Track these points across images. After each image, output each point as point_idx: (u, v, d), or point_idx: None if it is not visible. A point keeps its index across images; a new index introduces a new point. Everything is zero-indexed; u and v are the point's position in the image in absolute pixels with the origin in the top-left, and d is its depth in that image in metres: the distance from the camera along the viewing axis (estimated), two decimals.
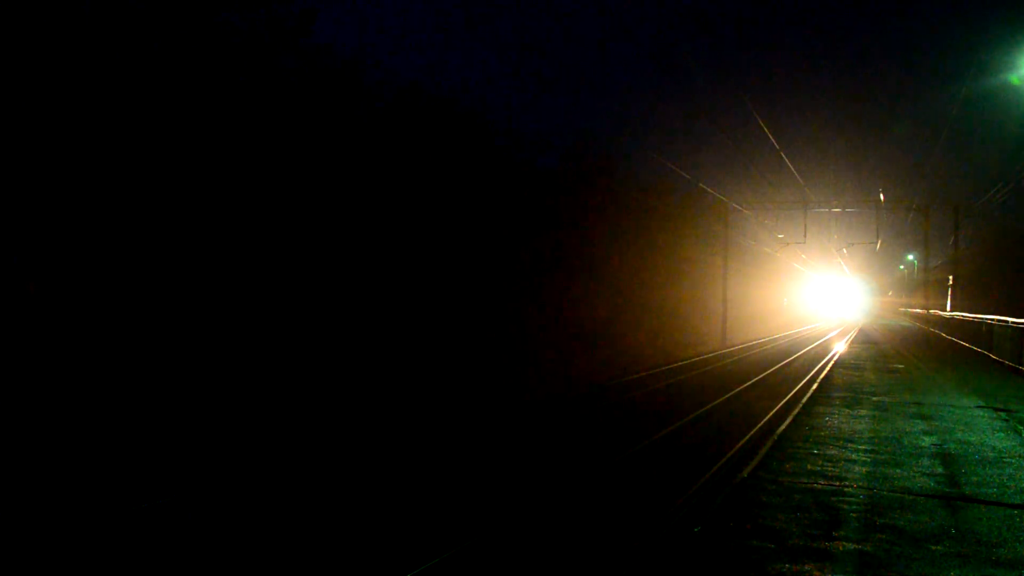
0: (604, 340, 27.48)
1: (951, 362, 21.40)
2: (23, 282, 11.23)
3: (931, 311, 39.82)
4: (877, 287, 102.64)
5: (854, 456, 8.17)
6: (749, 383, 18.95)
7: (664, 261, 35.22)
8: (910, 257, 70.85)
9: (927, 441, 9.09)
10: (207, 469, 9.19)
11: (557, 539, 7.04)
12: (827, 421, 10.47)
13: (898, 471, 7.50)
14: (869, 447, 8.66)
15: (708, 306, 40.21)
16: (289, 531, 7.07)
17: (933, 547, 5.27)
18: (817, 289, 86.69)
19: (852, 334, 42.02)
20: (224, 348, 13.71)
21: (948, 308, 39.12)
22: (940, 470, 7.59)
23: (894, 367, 19.51)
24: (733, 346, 34.41)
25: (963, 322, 27.47)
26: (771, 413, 13.80)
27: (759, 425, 12.61)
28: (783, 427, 10.01)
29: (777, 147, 25.08)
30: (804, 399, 12.98)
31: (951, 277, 41.55)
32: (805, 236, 39.02)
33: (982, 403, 12.46)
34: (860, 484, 6.97)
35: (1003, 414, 11.35)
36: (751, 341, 37.96)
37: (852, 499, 6.47)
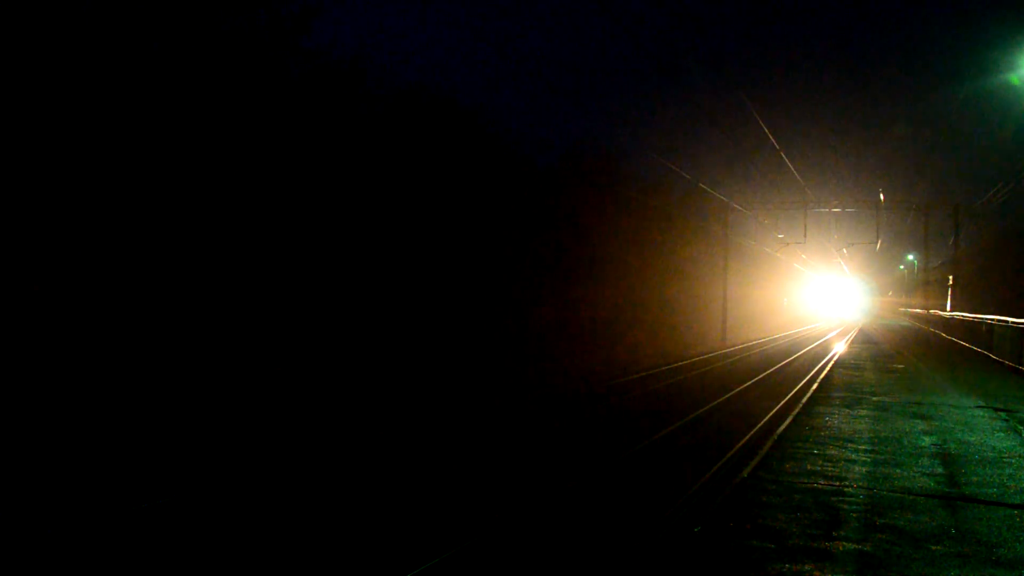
0: (604, 339, 27.49)
1: (951, 362, 21.40)
2: (28, 283, 11.24)
3: (931, 311, 39.84)
4: (877, 287, 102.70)
5: (854, 456, 8.17)
6: (749, 383, 18.95)
7: (664, 261, 35.22)
8: (910, 257, 70.89)
9: (927, 441, 9.09)
10: (207, 469, 9.20)
11: (557, 539, 7.04)
12: (827, 421, 10.48)
13: (898, 471, 7.51)
14: (869, 447, 8.67)
15: (708, 306, 40.22)
16: (289, 531, 7.07)
17: (933, 547, 5.27)
18: (817, 289, 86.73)
19: (852, 334, 42.04)
20: (228, 345, 13.71)
21: (948, 308, 39.14)
22: (940, 470, 7.59)
23: (894, 367, 19.51)
24: (733, 346, 34.42)
25: (963, 322, 27.48)
26: (771, 413, 13.80)
27: (759, 425, 12.61)
28: (783, 427, 10.02)
29: (777, 147, 25.10)
30: (804, 399, 12.99)
31: (951, 277, 41.58)
32: (805, 236, 39.06)
33: (982, 403, 12.46)
34: (860, 484, 6.98)
35: (1003, 414, 11.35)
36: (751, 341, 37.98)
37: (852, 499, 6.47)
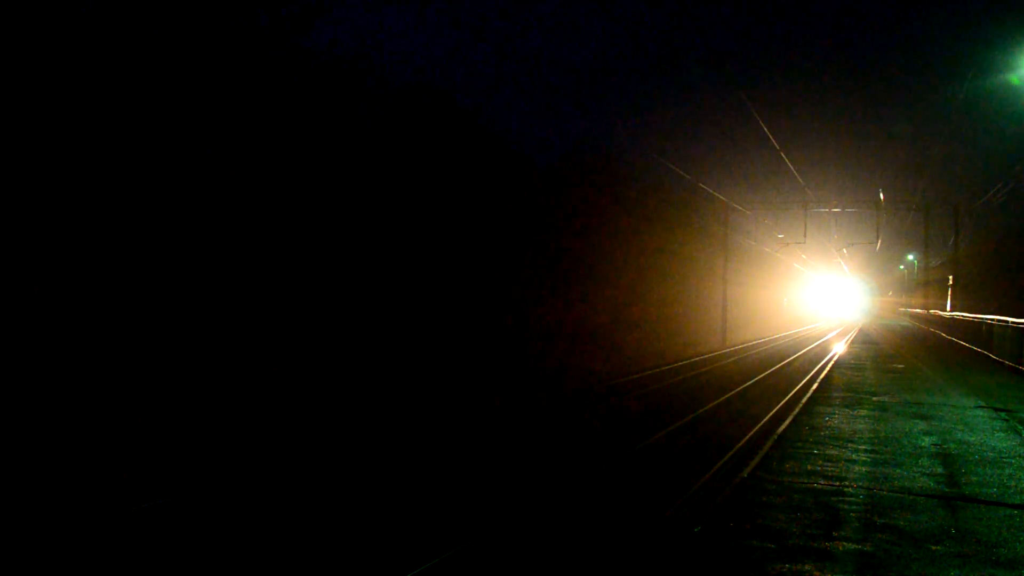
0: (603, 339, 27.48)
1: (951, 362, 21.41)
2: (28, 284, 11.24)
3: (931, 311, 39.86)
4: (877, 287, 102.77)
5: (854, 456, 8.17)
6: (749, 383, 18.96)
7: (664, 261, 35.21)
8: (910, 257, 70.93)
9: (927, 441, 9.09)
10: (207, 469, 9.20)
11: (558, 539, 7.04)
12: (827, 421, 10.48)
13: (898, 471, 7.51)
14: (869, 447, 8.67)
15: (708, 306, 40.22)
16: (289, 531, 7.07)
17: (933, 547, 5.27)
18: (817, 289, 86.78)
19: (852, 334, 42.04)
20: (226, 345, 13.71)
21: (948, 308, 39.15)
22: (940, 470, 7.59)
23: (894, 367, 19.52)
24: (733, 346, 34.43)
25: (963, 322, 27.48)
26: (771, 413, 13.80)
27: (759, 425, 12.62)
28: (783, 427, 10.01)
29: (777, 147, 25.09)
30: (804, 399, 12.98)
31: (951, 277, 41.59)
32: (805, 236, 39.06)
33: (982, 403, 12.46)
34: (860, 484, 6.98)
35: (1003, 414, 11.35)
36: (751, 341, 37.99)
37: (852, 499, 6.47)
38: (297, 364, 14.81)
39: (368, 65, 19.38)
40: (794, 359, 26.99)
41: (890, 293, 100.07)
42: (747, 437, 11.60)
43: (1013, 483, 7.14)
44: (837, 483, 7.00)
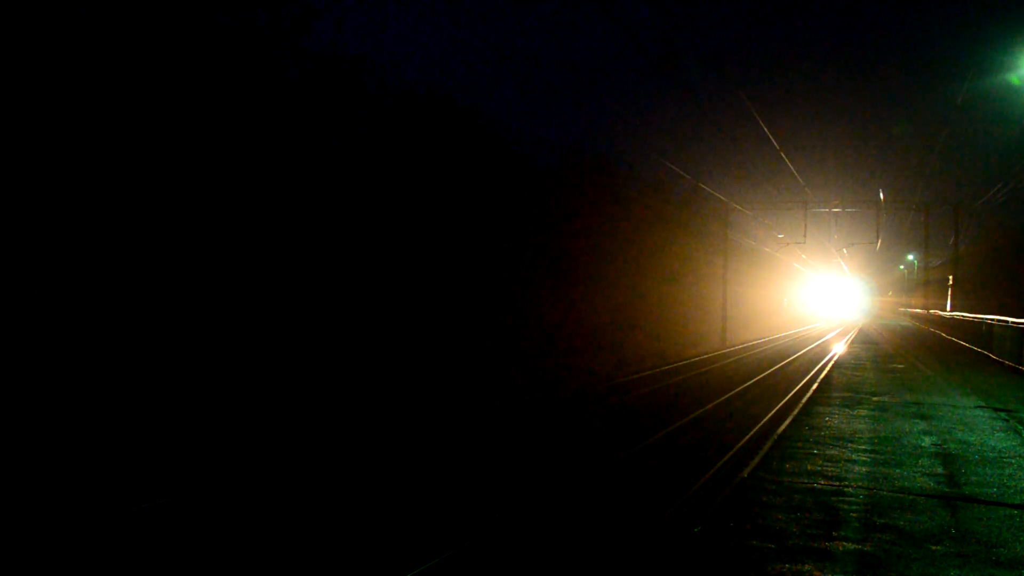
0: (603, 339, 27.48)
1: (951, 362, 21.40)
2: (29, 281, 11.24)
3: (931, 311, 39.84)
4: (877, 287, 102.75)
5: (854, 456, 8.17)
6: (749, 383, 18.96)
7: (664, 261, 35.23)
8: (910, 257, 70.94)
9: (927, 441, 9.09)
10: (207, 469, 9.20)
11: (558, 538, 7.04)
12: (827, 421, 10.48)
13: (898, 471, 7.51)
14: (869, 447, 8.67)
15: (708, 306, 40.21)
16: (289, 531, 7.07)
17: (933, 547, 5.27)
18: (817, 289, 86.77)
19: (852, 334, 42.04)
20: (225, 347, 13.71)
21: (948, 308, 39.15)
22: (940, 470, 7.59)
23: (894, 367, 19.52)
24: (733, 346, 34.43)
25: (963, 322, 27.49)
26: (771, 413, 13.80)
27: (759, 425, 12.62)
28: (783, 427, 10.02)
29: (777, 147, 25.07)
30: (804, 399, 12.99)
31: (951, 277, 41.59)
32: (805, 236, 39.05)
33: (982, 403, 12.46)
34: (860, 484, 6.98)
35: (1003, 414, 11.36)
36: (751, 341, 37.98)
37: (852, 499, 6.47)
38: (299, 364, 14.81)
39: (368, 66, 19.38)
40: (794, 359, 26.99)
41: (890, 293, 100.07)
42: (747, 437, 11.60)
43: (1013, 483, 7.14)
44: (837, 483, 7.00)
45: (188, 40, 14.02)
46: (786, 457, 8.07)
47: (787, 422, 10.41)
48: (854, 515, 6.00)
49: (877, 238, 41.00)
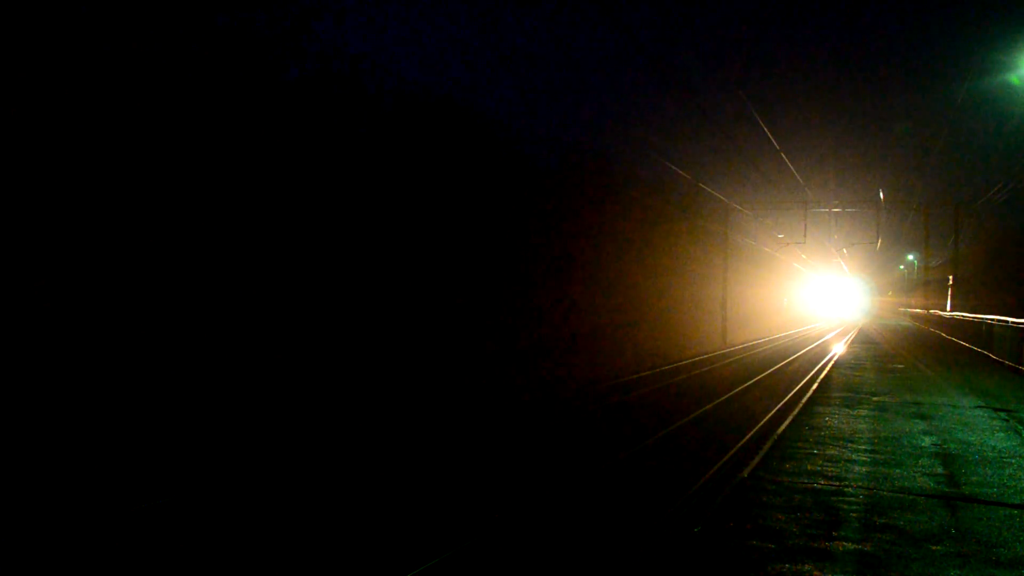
0: (603, 340, 27.49)
1: (951, 362, 21.41)
2: (32, 280, 11.25)
3: (931, 311, 39.85)
4: (877, 287, 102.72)
5: (854, 456, 8.17)
6: (749, 383, 18.96)
7: (664, 261, 35.23)
8: (910, 257, 70.97)
9: (927, 441, 9.09)
10: (206, 469, 9.20)
11: (558, 538, 7.04)
12: (827, 421, 10.48)
13: (898, 471, 7.51)
14: (869, 447, 8.67)
15: (708, 306, 40.22)
16: (289, 531, 7.07)
17: (933, 547, 5.27)
18: (817, 289, 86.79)
19: (852, 334, 42.04)
20: (224, 347, 13.71)
21: (948, 308, 39.14)
22: (940, 470, 7.59)
23: (894, 367, 19.52)
24: (733, 346, 34.43)
25: (963, 322, 27.48)
26: (771, 413, 13.80)
27: (759, 425, 12.61)
28: (783, 427, 10.02)
29: (777, 147, 25.10)
30: (804, 399, 12.99)
31: (951, 277, 41.58)
32: (805, 236, 39.06)
33: (982, 403, 12.46)
34: (860, 484, 6.98)
35: (1003, 414, 11.36)
36: (751, 341, 37.98)
37: (852, 499, 6.47)
38: (299, 364, 14.81)
39: (368, 66, 19.38)
40: (794, 359, 27.00)
41: (890, 293, 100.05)
42: (747, 437, 11.60)
43: (1013, 483, 7.14)
44: (837, 483, 7.00)
45: (187, 40, 14.02)
46: (786, 457, 8.07)
47: (787, 422, 10.42)
48: (854, 515, 6.00)
49: (877, 238, 41.03)
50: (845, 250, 55.74)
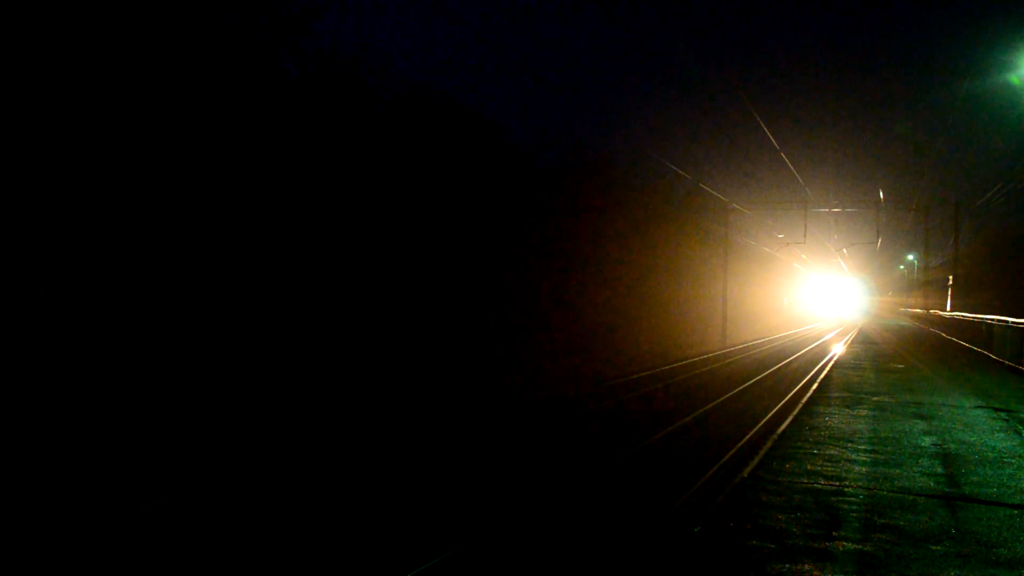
0: (604, 340, 27.48)
1: (951, 362, 21.40)
2: (32, 284, 11.24)
3: (931, 311, 39.85)
4: (877, 287, 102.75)
5: (854, 456, 8.17)
6: (749, 383, 18.96)
7: (664, 261, 35.22)
8: (910, 257, 70.93)
9: (927, 441, 9.09)
10: (206, 469, 9.20)
11: (557, 538, 7.04)
12: (827, 421, 10.48)
13: (898, 471, 7.51)
14: (869, 447, 8.67)
15: (708, 306, 40.23)
16: (289, 531, 7.07)
17: (933, 547, 5.27)
18: (817, 289, 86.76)
19: (852, 334, 42.03)
20: (223, 347, 13.71)
21: (948, 308, 39.13)
22: (940, 470, 7.59)
23: (893, 367, 19.52)
24: (733, 346, 34.44)
25: (963, 322, 27.49)
26: (771, 413, 13.80)
27: (759, 425, 12.62)
28: (783, 427, 10.01)
29: (777, 147, 25.10)
30: (804, 399, 12.98)
31: (951, 277, 41.57)
32: (805, 236, 39.06)
33: (982, 403, 12.46)
34: (860, 484, 6.98)
35: (1003, 414, 11.36)
36: (751, 341, 38.00)
37: (852, 499, 6.47)
38: (299, 364, 14.81)
39: (367, 66, 19.37)
40: (794, 359, 27.00)
41: (890, 293, 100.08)
42: (747, 437, 11.60)
43: (1013, 483, 7.14)
44: (837, 483, 6.99)
45: (186, 39, 14.02)
46: (786, 457, 8.07)
47: (787, 422, 10.41)
48: (854, 515, 5.99)
49: (877, 238, 41.02)
50: (845, 250, 55.79)
